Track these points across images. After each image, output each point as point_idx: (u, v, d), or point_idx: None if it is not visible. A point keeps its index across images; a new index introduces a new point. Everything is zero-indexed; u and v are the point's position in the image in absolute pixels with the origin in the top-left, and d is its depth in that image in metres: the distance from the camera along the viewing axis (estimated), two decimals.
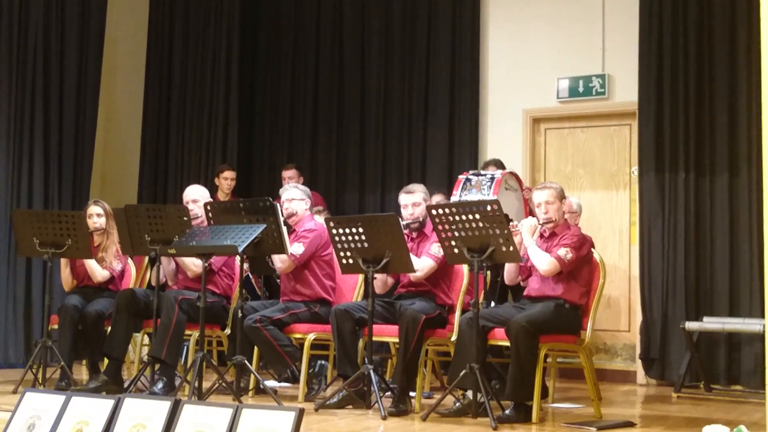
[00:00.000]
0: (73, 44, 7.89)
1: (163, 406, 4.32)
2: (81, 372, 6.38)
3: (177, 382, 5.56)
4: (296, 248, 5.74)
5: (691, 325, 6.47)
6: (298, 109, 8.86)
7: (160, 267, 5.67)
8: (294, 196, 5.98)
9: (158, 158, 8.98)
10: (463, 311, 5.31)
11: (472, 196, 6.11)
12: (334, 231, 5.17)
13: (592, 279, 5.21)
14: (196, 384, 4.94)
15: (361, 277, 5.89)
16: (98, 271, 6.14)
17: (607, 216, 7.71)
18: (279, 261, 5.72)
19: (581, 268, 5.14)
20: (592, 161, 7.82)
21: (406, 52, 8.40)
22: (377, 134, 8.44)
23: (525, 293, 5.31)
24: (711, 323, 6.48)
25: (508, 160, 7.31)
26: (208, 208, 5.57)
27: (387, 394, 5.22)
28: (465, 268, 5.40)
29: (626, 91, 7.51)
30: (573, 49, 7.81)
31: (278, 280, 6.39)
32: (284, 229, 5.29)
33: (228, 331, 5.91)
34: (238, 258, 5.49)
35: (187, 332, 5.69)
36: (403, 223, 5.31)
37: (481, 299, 5.10)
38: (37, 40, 7.62)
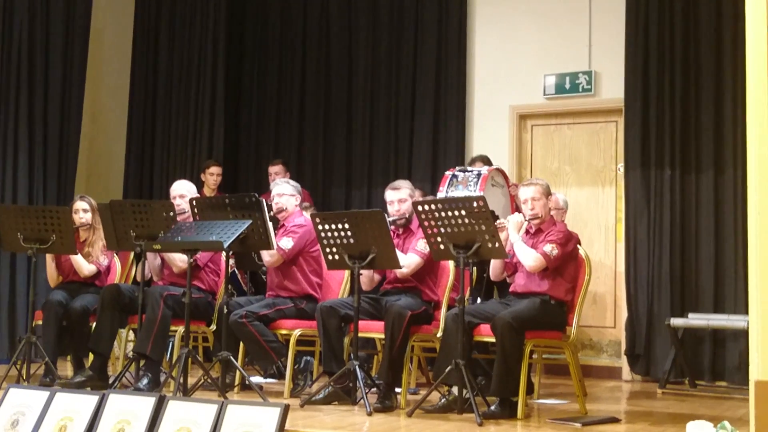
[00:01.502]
0: (58, 37, 7.84)
1: (148, 402, 4.32)
2: (66, 368, 6.35)
3: (162, 378, 5.54)
4: (285, 242, 5.73)
5: (676, 322, 6.50)
6: (284, 105, 8.85)
7: (145, 263, 5.65)
8: (284, 192, 5.97)
9: (144, 153, 8.94)
10: (449, 307, 5.31)
11: (459, 192, 6.11)
12: (320, 227, 5.17)
13: (578, 275, 5.23)
14: (182, 380, 4.93)
15: (347, 273, 5.88)
16: (85, 266, 6.12)
17: (593, 212, 7.73)
18: (267, 255, 5.70)
19: (567, 264, 5.15)
20: (578, 158, 7.84)
21: (393, 48, 8.40)
22: (364, 130, 8.44)
23: (511, 289, 5.31)
24: (696, 319, 6.51)
25: (494, 156, 7.32)
26: (194, 203, 5.55)
27: (373, 390, 5.21)
28: (451, 264, 5.40)
29: (612, 87, 7.53)
30: (560, 45, 7.83)
31: (264, 276, 6.38)
32: (270, 225, 5.28)
33: (213, 327, 5.90)
34: (223, 254, 5.47)
35: (173, 328, 5.67)
36: (389, 219, 5.31)
37: (467, 295, 5.10)
38: (22, 32, 7.58)
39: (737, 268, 6.65)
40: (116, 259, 6.41)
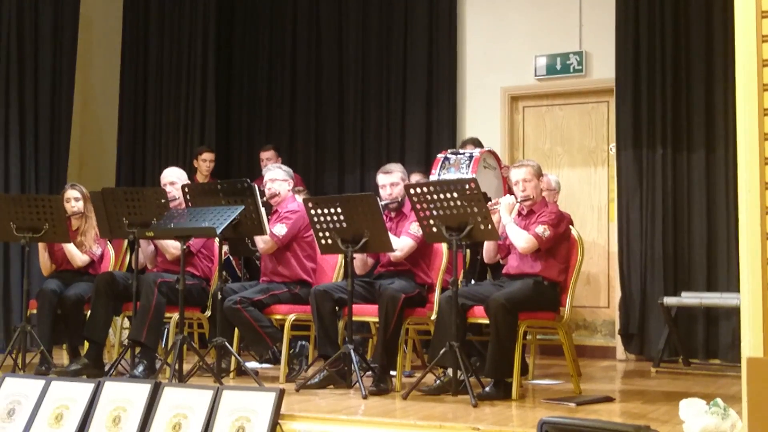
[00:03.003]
0: (48, 25, 7.79)
1: (144, 388, 4.33)
2: (61, 356, 6.36)
3: (158, 364, 5.55)
4: (279, 229, 5.72)
5: (669, 301, 6.52)
6: (276, 90, 8.83)
7: (138, 250, 5.65)
8: (277, 177, 5.96)
9: (136, 141, 8.92)
10: (443, 290, 5.32)
11: (451, 174, 6.11)
12: (313, 211, 5.17)
13: (571, 256, 5.24)
14: (177, 366, 4.93)
15: (341, 257, 5.89)
16: (78, 256, 6.11)
17: (586, 193, 7.74)
18: (261, 242, 5.71)
19: (559, 245, 5.16)
20: (570, 139, 7.84)
21: (383, 31, 8.38)
22: (356, 114, 8.43)
23: (504, 271, 5.32)
24: (689, 298, 6.52)
25: (486, 138, 7.32)
26: (186, 190, 5.54)
27: (368, 373, 5.23)
28: (444, 246, 5.41)
29: (603, 68, 7.53)
30: (550, 26, 7.82)
31: (258, 262, 6.38)
32: (262, 210, 5.28)
33: (208, 313, 5.90)
34: (217, 240, 5.47)
35: (167, 315, 5.67)
36: (381, 203, 5.31)
37: (460, 278, 5.10)
38: (11, 21, 7.52)
39: (729, 247, 6.67)
40: (110, 247, 6.41)
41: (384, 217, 5.19)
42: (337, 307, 5.32)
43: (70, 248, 6.08)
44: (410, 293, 5.22)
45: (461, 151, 6.39)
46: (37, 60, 7.72)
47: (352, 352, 4.99)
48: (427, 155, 7.83)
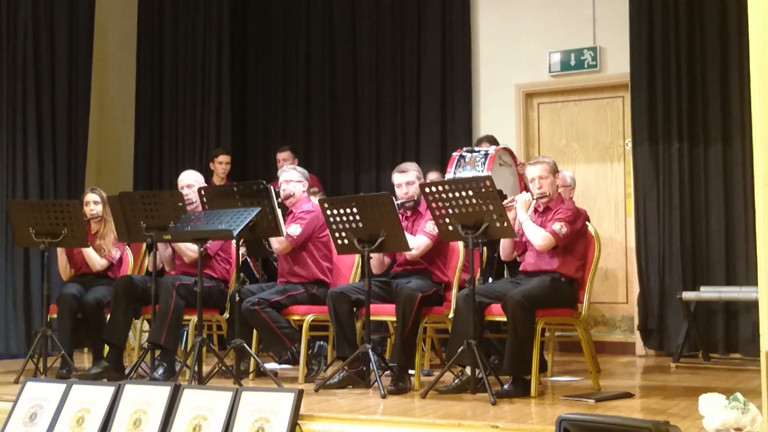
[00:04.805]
0: (63, 32, 7.84)
1: (164, 391, 4.36)
2: (82, 360, 6.41)
3: (177, 367, 5.58)
4: (293, 229, 5.74)
5: (688, 295, 6.49)
6: (290, 91, 8.86)
7: (156, 253, 5.68)
8: (291, 178, 5.99)
9: (152, 144, 8.97)
10: (460, 288, 5.32)
11: (467, 173, 6.11)
12: (329, 212, 5.18)
13: (588, 252, 5.23)
14: (196, 368, 4.96)
15: (357, 257, 5.90)
16: (97, 260, 6.15)
17: (602, 188, 7.72)
18: (276, 242, 5.73)
19: (576, 241, 5.15)
20: (585, 134, 7.82)
21: (397, 31, 8.38)
22: (370, 114, 8.44)
23: (521, 268, 5.32)
24: (708, 292, 6.50)
25: (501, 135, 7.31)
26: (202, 192, 5.57)
27: (386, 372, 5.24)
28: (461, 245, 5.41)
29: (618, 63, 7.51)
30: (564, 22, 7.80)
31: (276, 263, 6.40)
32: (278, 211, 5.29)
33: (227, 315, 5.93)
34: (234, 242, 5.49)
35: (186, 317, 5.70)
36: (397, 202, 5.31)
37: (477, 276, 5.10)
38: (27, 29, 7.57)
39: (748, 240, 6.64)
40: (128, 251, 6.45)
41: (400, 216, 5.19)
42: (354, 308, 5.32)
43: (89, 252, 6.12)
44: (427, 292, 5.23)
45: (476, 149, 6.39)
46: (53, 67, 7.77)
47: (370, 351, 5.00)
48: (442, 154, 7.83)
